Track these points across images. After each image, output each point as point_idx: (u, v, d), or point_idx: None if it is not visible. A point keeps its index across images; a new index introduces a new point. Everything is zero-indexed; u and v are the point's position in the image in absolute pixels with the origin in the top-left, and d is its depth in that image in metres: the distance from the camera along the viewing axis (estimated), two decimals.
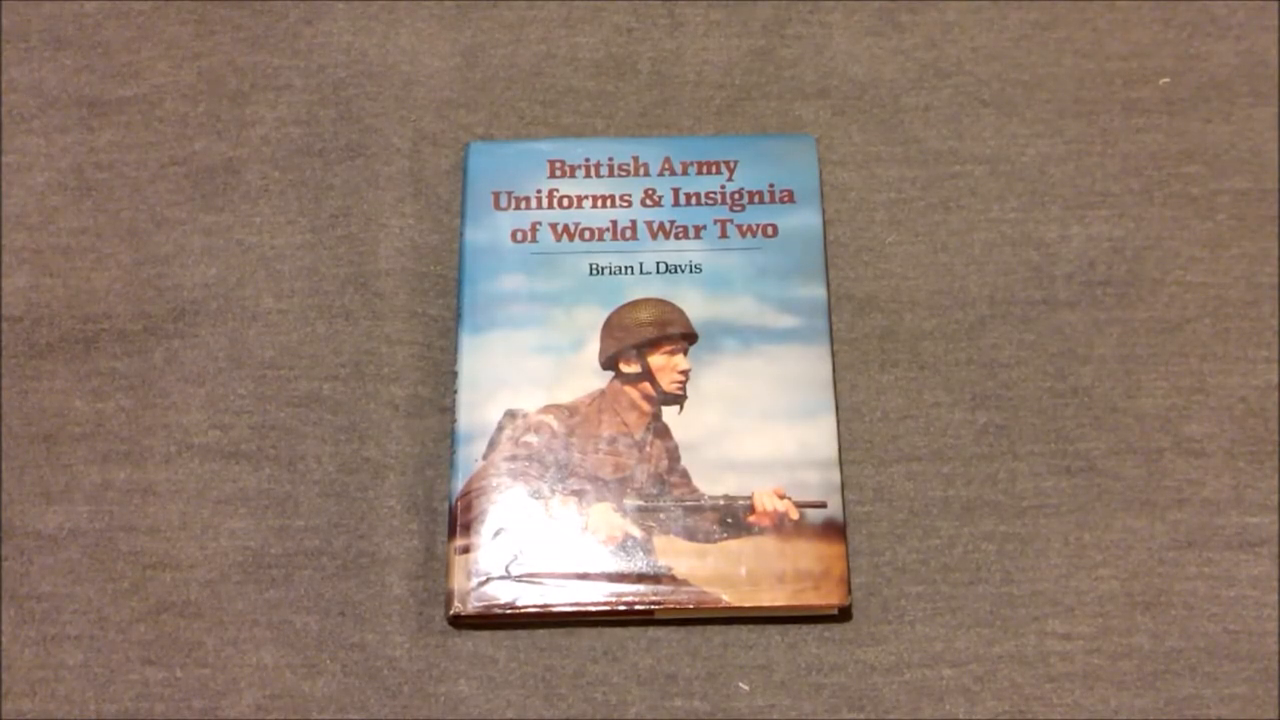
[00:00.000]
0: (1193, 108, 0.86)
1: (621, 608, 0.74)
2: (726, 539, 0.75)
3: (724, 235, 0.81)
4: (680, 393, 0.78)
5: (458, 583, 0.74)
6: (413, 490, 0.78)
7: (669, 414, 0.78)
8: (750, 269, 0.80)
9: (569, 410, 0.78)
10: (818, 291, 0.80)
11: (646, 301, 0.80)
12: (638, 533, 0.75)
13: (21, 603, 0.76)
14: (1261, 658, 0.74)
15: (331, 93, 0.86)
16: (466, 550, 0.75)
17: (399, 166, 0.85)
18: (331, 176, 0.84)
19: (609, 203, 0.82)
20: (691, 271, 0.80)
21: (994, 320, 0.81)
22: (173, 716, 0.74)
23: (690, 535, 0.75)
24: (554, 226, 0.81)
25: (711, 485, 0.76)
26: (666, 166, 0.83)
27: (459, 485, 0.76)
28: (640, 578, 0.74)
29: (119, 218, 0.84)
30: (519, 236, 0.81)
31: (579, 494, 0.76)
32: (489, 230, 0.81)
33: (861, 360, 0.80)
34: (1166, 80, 0.86)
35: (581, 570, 0.75)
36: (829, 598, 0.74)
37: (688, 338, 0.79)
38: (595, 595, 0.74)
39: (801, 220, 0.82)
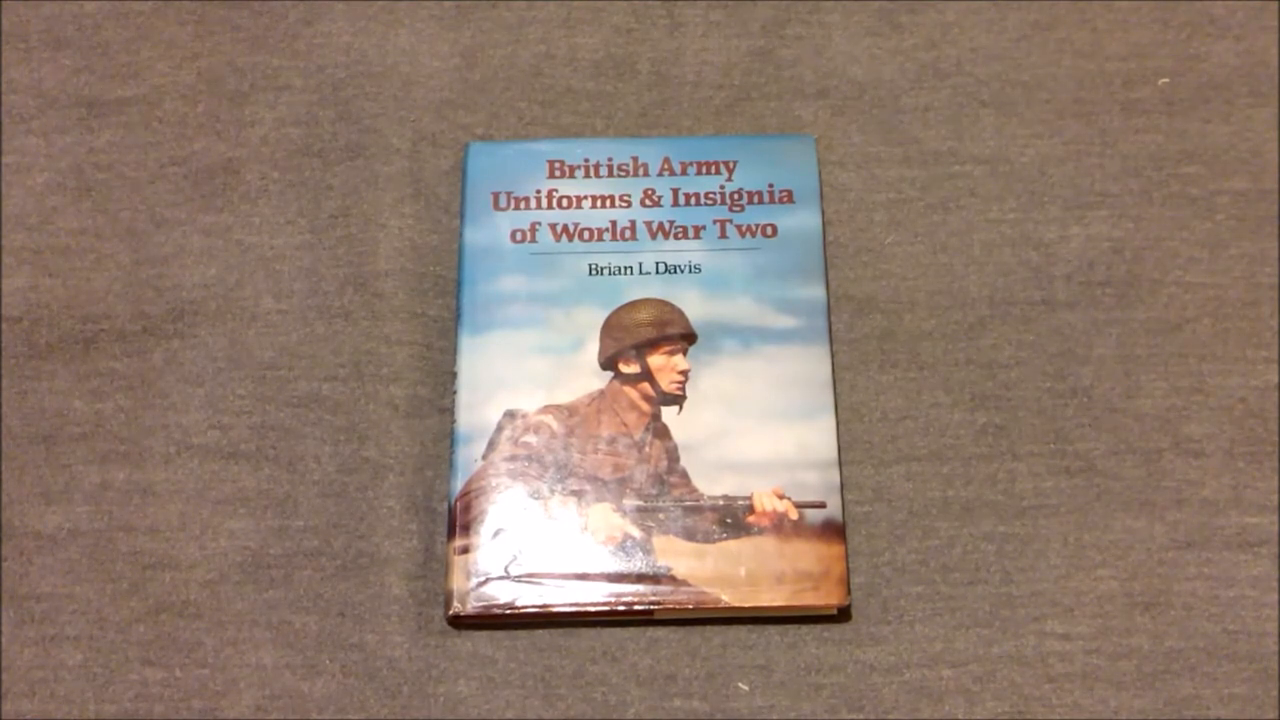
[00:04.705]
0: (1192, 108, 0.86)
1: (621, 608, 0.74)
2: (726, 539, 0.75)
3: (723, 235, 0.81)
4: (679, 393, 0.78)
5: (457, 583, 0.74)
6: (412, 490, 0.78)
7: (668, 414, 0.78)
8: (750, 269, 0.80)
9: (568, 410, 0.78)
10: (817, 292, 0.80)
11: (646, 302, 0.80)
12: (637, 533, 0.75)
13: (21, 603, 0.76)
14: (1261, 658, 0.74)
15: (331, 93, 0.86)
16: (466, 550, 0.75)
17: (398, 167, 0.85)
18: (331, 177, 0.84)
19: (608, 203, 0.82)
20: (691, 272, 0.80)
21: (994, 320, 0.81)
22: (172, 717, 0.74)
23: (690, 535, 0.75)
24: (553, 227, 0.81)
25: (711, 485, 0.76)
26: (666, 167, 0.83)
27: (458, 485, 0.76)
28: (640, 578, 0.74)
29: (119, 218, 0.84)
30: (518, 237, 0.81)
31: (578, 494, 0.76)
32: (488, 230, 0.81)
33: (861, 361, 0.80)
34: (1166, 80, 0.86)
35: (581, 570, 0.75)
36: (828, 598, 0.74)
37: (687, 338, 0.79)
38: (595, 595, 0.74)
39: (801, 220, 0.82)
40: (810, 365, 0.78)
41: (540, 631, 0.75)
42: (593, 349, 0.79)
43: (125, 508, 0.78)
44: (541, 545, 0.75)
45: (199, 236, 0.83)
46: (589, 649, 0.75)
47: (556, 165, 0.83)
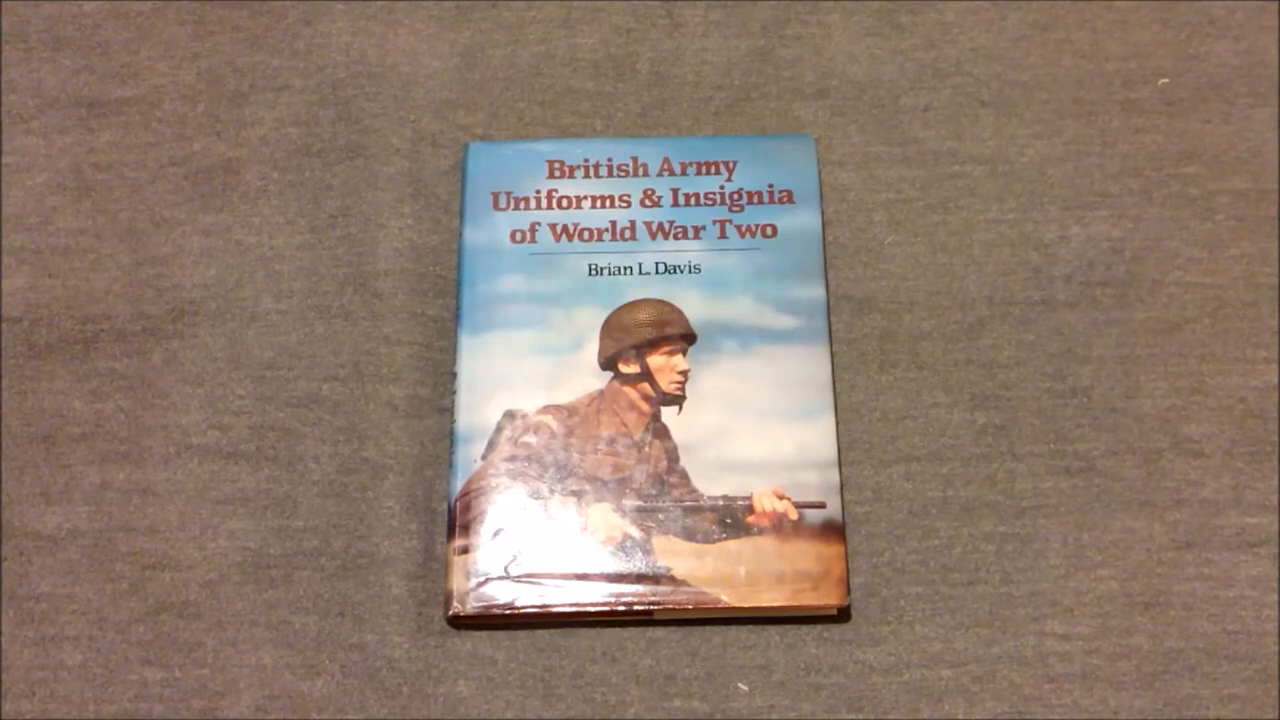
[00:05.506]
0: (1192, 108, 0.86)
1: (621, 608, 0.74)
2: (725, 539, 0.75)
3: (723, 236, 0.81)
4: (679, 393, 0.78)
5: (457, 583, 0.74)
6: (412, 491, 0.78)
7: (668, 414, 0.78)
8: (749, 269, 0.80)
9: (568, 411, 0.78)
10: (817, 292, 0.80)
11: (645, 302, 0.80)
12: (637, 533, 0.75)
13: (21, 603, 0.76)
14: (1261, 658, 0.74)
15: (331, 93, 0.86)
16: (465, 550, 0.75)
17: (398, 167, 0.85)
18: (331, 177, 0.84)
19: (608, 203, 0.82)
20: (690, 272, 0.80)
21: (993, 320, 0.81)
22: (172, 717, 0.74)
23: (689, 536, 0.75)
24: (553, 227, 0.81)
25: (710, 486, 0.76)
26: (665, 167, 0.83)
27: (458, 486, 0.76)
28: (639, 578, 0.74)
29: (118, 218, 0.84)
30: (518, 237, 0.81)
31: (578, 494, 0.76)
32: (488, 231, 0.81)
33: (860, 361, 0.80)
34: (1165, 81, 0.86)
35: (581, 571, 0.75)
36: (828, 598, 0.74)
37: (687, 338, 0.79)
38: (594, 596, 0.74)
39: (800, 220, 0.82)
40: (810, 365, 0.78)
41: (540, 631, 0.75)
42: (592, 349, 0.79)
43: (125, 508, 0.78)
44: (541, 545, 0.75)
45: (199, 236, 0.83)
46: (589, 649, 0.75)
47: (556, 165, 0.83)
